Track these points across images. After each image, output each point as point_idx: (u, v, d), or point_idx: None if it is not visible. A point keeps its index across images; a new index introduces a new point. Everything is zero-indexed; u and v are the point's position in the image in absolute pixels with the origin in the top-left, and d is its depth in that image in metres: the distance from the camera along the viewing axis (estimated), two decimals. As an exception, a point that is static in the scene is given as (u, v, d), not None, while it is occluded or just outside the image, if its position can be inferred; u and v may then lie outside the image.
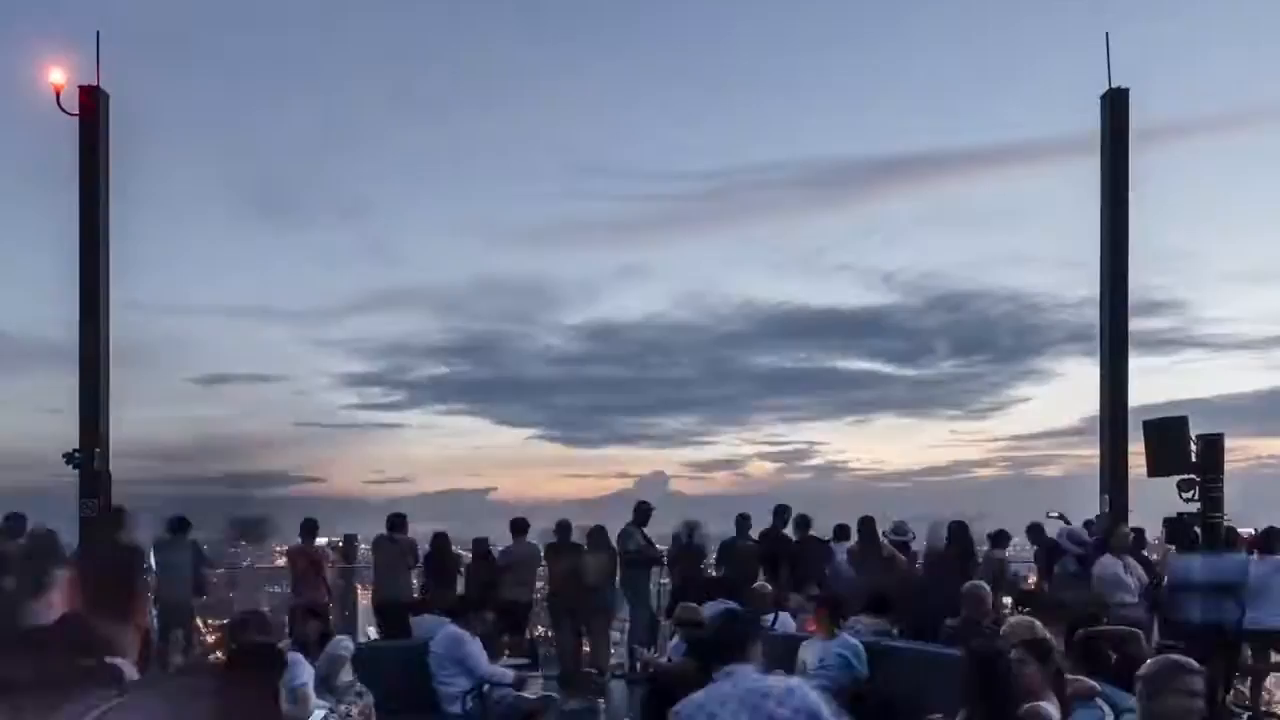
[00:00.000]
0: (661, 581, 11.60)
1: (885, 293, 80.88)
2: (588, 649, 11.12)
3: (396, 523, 11.13)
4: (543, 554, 11.24)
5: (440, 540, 11.29)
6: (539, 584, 11.89)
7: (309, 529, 11.13)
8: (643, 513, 11.36)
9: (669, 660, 8.21)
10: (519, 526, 11.30)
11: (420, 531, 11.55)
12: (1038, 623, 6.46)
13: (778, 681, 3.95)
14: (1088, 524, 10.87)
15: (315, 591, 10.57)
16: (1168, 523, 9.92)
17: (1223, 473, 9.52)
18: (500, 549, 11.38)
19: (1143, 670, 3.77)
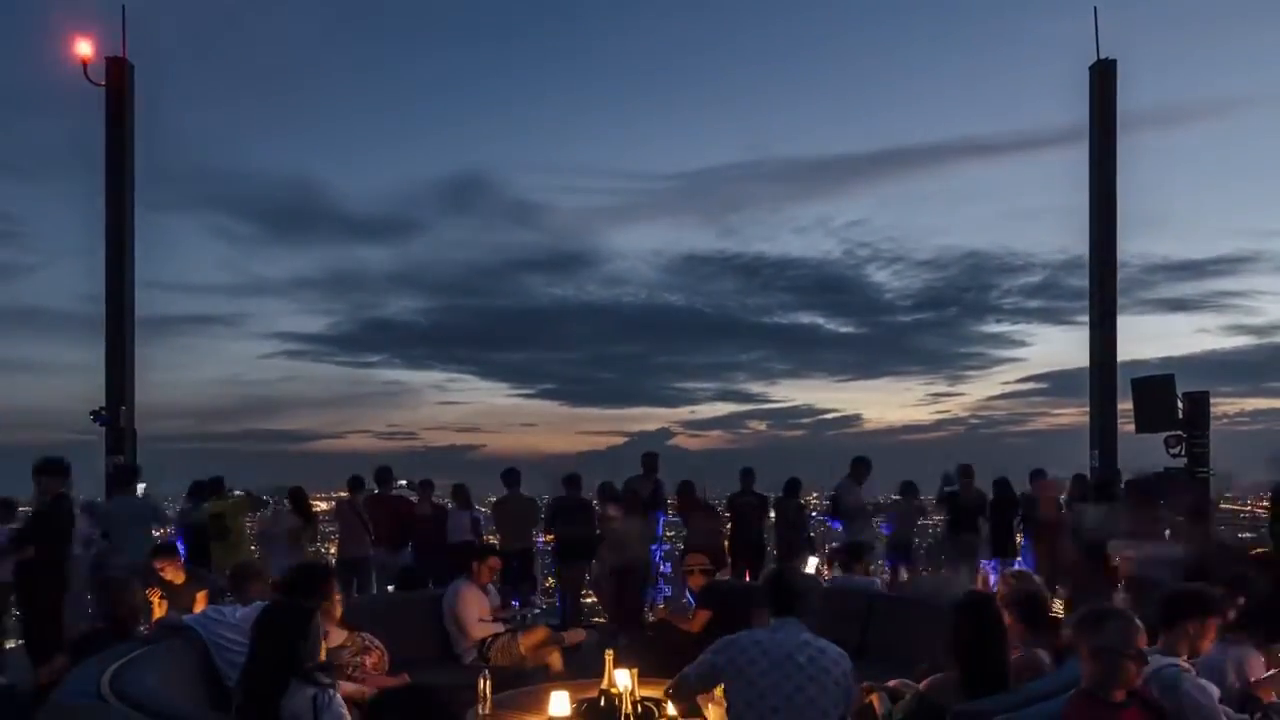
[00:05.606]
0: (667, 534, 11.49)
1: (860, 260, 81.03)
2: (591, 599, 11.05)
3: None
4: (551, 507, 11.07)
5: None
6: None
7: (355, 483, 10.87)
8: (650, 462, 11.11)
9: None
10: (511, 478, 11.00)
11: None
12: (1030, 575, 6.30)
13: (833, 648, 3.87)
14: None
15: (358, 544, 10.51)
16: (1156, 477, 9.77)
17: (1208, 429, 9.37)
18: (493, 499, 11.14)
19: None
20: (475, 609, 6.80)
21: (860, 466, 11.15)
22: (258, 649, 3.68)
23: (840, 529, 11.07)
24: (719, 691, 4.10)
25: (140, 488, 9.68)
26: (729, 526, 11.20)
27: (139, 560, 7.67)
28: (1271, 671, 3.88)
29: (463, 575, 7.06)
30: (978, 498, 10.86)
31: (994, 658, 3.90)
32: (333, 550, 10.89)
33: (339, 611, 5.25)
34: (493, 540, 10.81)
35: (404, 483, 11.20)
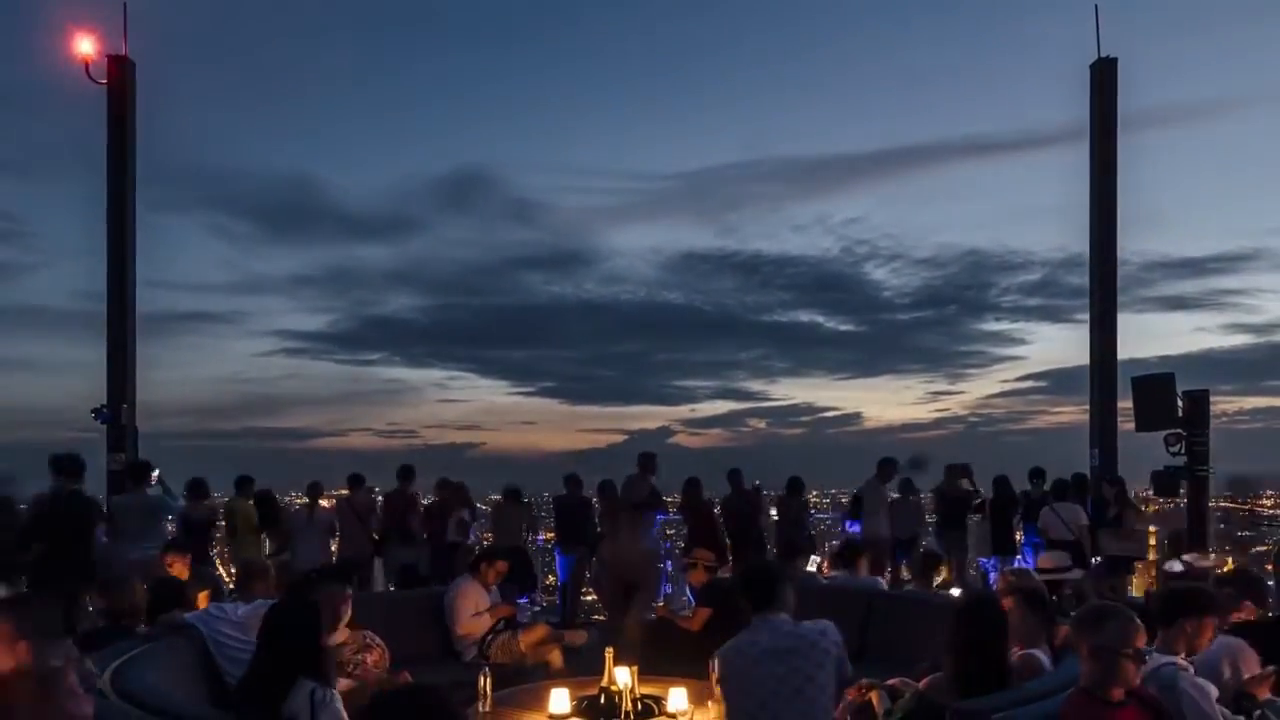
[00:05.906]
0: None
1: (859, 258, 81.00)
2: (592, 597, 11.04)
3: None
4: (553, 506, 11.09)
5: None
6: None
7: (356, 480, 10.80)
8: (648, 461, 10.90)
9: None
10: (510, 493, 10.97)
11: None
12: (1030, 572, 6.29)
13: (813, 624, 3.97)
14: None
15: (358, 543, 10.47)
16: (1155, 476, 9.75)
17: (1208, 427, 9.36)
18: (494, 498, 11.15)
19: None
20: (471, 604, 6.79)
21: (888, 467, 11.17)
22: (268, 647, 3.68)
23: (858, 530, 11.06)
24: (719, 690, 4.12)
25: (155, 474, 9.62)
26: (725, 524, 11.20)
27: (147, 557, 7.69)
28: (1270, 668, 3.88)
29: (467, 574, 7.08)
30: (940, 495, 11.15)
31: (993, 657, 3.91)
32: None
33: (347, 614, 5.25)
34: (488, 538, 10.85)
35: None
